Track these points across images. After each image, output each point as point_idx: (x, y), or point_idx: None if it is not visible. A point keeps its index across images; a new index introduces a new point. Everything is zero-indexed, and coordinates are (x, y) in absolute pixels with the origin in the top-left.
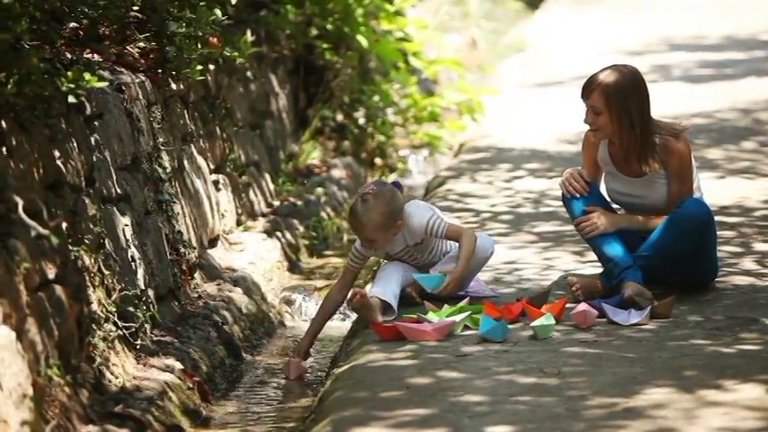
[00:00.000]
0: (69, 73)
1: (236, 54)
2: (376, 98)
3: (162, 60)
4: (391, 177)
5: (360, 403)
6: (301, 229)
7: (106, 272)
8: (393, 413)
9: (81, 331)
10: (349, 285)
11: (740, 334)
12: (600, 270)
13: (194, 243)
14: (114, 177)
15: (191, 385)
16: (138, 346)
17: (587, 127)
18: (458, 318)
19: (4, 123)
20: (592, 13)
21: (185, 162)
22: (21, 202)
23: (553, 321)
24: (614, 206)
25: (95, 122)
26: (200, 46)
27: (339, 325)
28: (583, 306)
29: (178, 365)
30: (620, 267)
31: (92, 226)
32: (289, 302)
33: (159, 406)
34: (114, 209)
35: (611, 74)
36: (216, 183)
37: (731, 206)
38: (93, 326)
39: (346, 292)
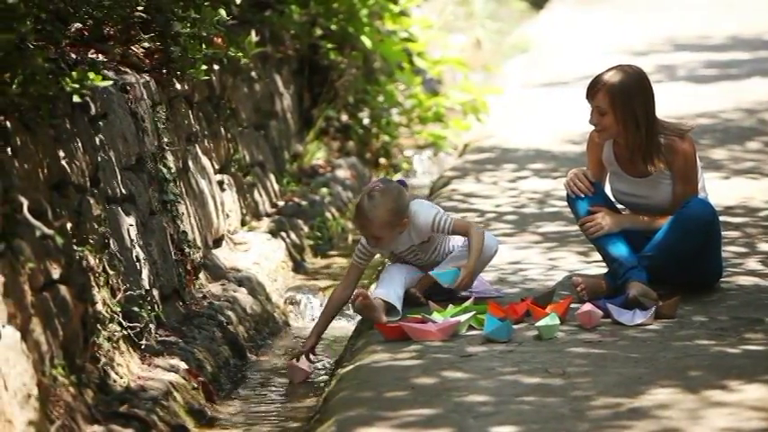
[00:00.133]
0: (74, 73)
1: (240, 54)
2: (380, 98)
3: (166, 60)
4: (396, 177)
5: (364, 403)
6: (306, 229)
7: (111, 272)
8: (398, 413)
9: (86, 331)
10: (354, 283)
11: (745, 334)
12: (605, 270)
13: (199, 243)
14: (119, 177)
15: (195, 385)
16: (142, 346)
17: (592, 127)
18: (462, 318)
19: (8, 123)
20: (596, 14)
21: (190, 162)
22: (25, 203)
23: (558, 321)
24: (619, 206)
25: (100, 122)
26: (204, 46)
27: (344, 325)
28: (587, 306)
29: (183, 365)
30: (624, 267)
31: (96, 226)
32: (293, 302)
33: (164, 406)
34: (119, 209)
35: (616, 74)
36: (220, 183)
37: (736, 206)
38: (98, 326)
39: (351, 290)
